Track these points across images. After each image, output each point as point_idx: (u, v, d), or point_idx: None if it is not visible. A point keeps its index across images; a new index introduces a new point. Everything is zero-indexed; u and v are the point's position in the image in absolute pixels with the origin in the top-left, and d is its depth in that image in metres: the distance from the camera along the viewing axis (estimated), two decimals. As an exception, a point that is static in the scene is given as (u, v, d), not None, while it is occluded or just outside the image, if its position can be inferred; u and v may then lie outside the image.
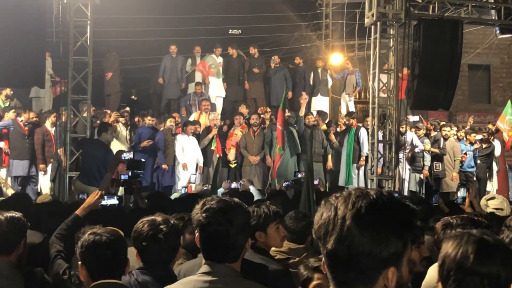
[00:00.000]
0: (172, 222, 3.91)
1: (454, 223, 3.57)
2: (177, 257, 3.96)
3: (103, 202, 5.82)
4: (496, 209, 6.15)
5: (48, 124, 13.75)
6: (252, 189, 11.45)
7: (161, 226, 3.83)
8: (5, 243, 4.36)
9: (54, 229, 5.08)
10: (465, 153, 15.50)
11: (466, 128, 16.51)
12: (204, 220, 3.03)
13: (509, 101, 16.78)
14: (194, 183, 13.59)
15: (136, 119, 15.16)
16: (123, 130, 14.30)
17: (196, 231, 3.11)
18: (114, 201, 6.04)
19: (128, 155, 9.84)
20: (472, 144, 15.81)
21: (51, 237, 4.98)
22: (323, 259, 1.88)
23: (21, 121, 13.66)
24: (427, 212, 6.32)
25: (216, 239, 3.02)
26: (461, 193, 7.57)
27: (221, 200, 3.13)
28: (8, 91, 14.83)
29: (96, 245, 3.60)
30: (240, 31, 20.77)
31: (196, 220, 3.09)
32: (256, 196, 10.31)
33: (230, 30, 20.89)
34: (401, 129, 14.51)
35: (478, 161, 15.85)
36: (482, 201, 7.13)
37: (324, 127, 15.70)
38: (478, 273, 2.33)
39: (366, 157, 14.53)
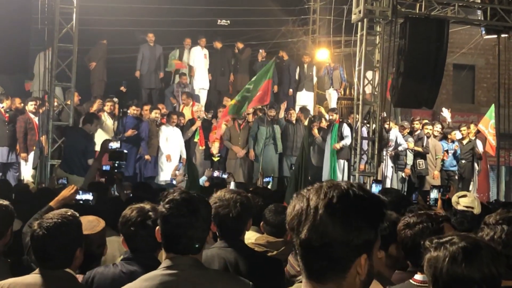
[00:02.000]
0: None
1: (411, 222, 3.61)
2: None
3: (78, 197, 5.79)
4: (467, 207, 6.19)
5: (30, 110, 13.63)
6: (232, 184, 11.50)
7: (150, 213, 3.83)
8: None
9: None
10: (447, 151, 15.57)
11: (445, 127, 16.58)
12: (167, 212, 3.03)
13: (492, 105, 16.83)
14: (179, 171, 13.66)
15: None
16: (107, 120, 14.23)
17: (158, 224, 3.11)
18: (88, 196, 6.00)
19: (115, 145, 9.82)
20: (453, 142, 15.90)
21: (25, 227, 4.97)
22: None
23: (2, 107, 13.54)
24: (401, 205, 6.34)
25: (180, 230, 3.01)
26: (434, 194, 7.59)
27: (183, 192, 3.14)
28: None
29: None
30: (228, 21, 20.73)
31: (159, 212, 3.09)
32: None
33: (219, 21, 20.84)
34: (386, 126, 14.57)
35: (463, 161, 15.93)
36: (454, 198, 7.14)
37: (305, 123, 15.71)
38: (473, 280, 2.35)
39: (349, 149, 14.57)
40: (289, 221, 1.88)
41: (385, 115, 14.53)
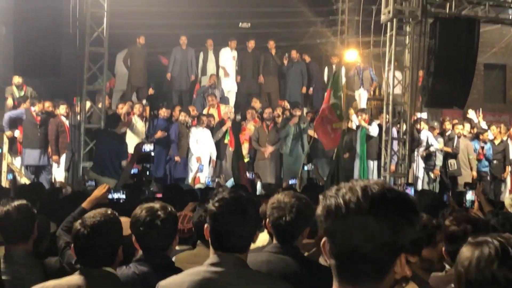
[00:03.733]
0: (169, 209, 3.93)
1: (456, 231, 3.57)
2: (174, 244, 3.97)
3: (110, 196, 5.84)
4: None
5: (62, 113, 13.79)
6: (258, 184, 11.55)
7: (159, 213, 3.83)
8: (20, 231, 4.41)
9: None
10: (482, 149, 15.47)
11: (478, 127, 16.44)
12: (216, 210, 3.09)
13: None
14: (201, 173, 13.70)
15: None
16: (138, 122, 14.35)
17: (207, 221, 3.15)
18: (121, 195, 6.07)
19: (148, 147, 9.94)
20: (485, 142, 15.76)
21: (58, 230, 5.03)
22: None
23: (34, 110, 13.73)
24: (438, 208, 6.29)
25: (229, 228, 3.06)
26: (469, 196, 7.36)
27: (232, 191, 3.21)
28: (19, 79, 14.78)
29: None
30: (249, 24, 20.76)
31: (209, 210, 3.14)
32: (258, 192, 10.45)
33: (240, 24, 20.87)
34: (417, 127, 14.48)
35: (495, 161, 15.78)
36: (507, 200, 7.07)
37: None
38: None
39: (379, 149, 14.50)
40: (325, 225, 1.82)
41: (418, 115, 14.43)
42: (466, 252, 2.25)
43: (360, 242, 1.76)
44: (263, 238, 4.93)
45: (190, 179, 13.68)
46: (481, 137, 15.96)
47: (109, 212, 3.70)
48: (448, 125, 15.66)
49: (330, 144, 13.38)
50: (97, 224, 3.57)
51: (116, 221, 3.70)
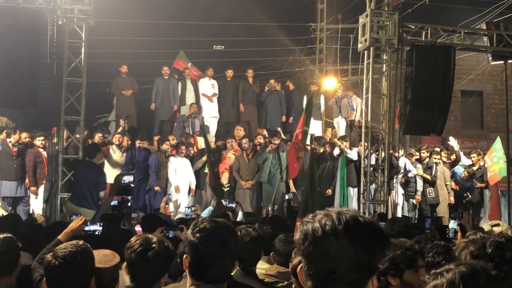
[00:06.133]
0: (166, 244, 3.88)
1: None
2: (162, 281, 3.91)
3: (86, 228, 5.79)
4: None
5: (39, 144, 13.69)
6: (240, 213, 11.53)
7: (154, 245, 3.79)
8: (5, 263, 4.34)
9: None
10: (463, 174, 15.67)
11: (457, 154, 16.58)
12: (197, 240, 3.04)
13: (498, 138, 16.70)
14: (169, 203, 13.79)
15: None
16: (116, 152, 14.28)
17: (186, 251, 3.12)
18: (97, 227, 6.00)
19: (128, 179, 9.87)
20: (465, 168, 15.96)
21: (33, 262, 4.96)
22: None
23: (10, 142, 13.62)
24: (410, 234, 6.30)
25: (209, 259, 3.03)
26: (452, 225, 7.26)
27: (213, 221, 3.16)
28: None
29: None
30: (223, 46, 20.92)
31: (189, 240, 3.11)
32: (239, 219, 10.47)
33: (214, 46, 21.02)
34: (396, 154, 14.56)
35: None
36: (486, 227, 7.08)
37: (321, 150, 15.66)
38: None
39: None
40: (303, 248, 1.92)
41: (394, 143, 14.52)
42: (432, 282, 2.29)
43: (336, 263, 1.87)
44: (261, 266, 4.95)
45: (171, 208, 13.65)
46: (460, 163, 16.13)
47: (80, 243, 3.66)
48: (424, 154, 15.77)
49: (293, 173, 13.57)
50: (68, 255, 3.53)
51: (88, 252, 3.66)
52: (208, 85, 17.93)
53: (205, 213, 11.77)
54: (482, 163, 16.06)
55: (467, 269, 2.33)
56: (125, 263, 3.88)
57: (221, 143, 16.12)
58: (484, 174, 15.93)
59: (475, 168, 16.01)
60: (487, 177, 15.95)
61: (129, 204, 9.21)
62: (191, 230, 3.10)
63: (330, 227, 1.88)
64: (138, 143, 14.56)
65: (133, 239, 3.89)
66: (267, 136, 16.11)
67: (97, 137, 14.36)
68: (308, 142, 15.26)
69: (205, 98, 17.80)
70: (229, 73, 18.18)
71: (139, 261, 3.76)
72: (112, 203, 9.47)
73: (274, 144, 15.06)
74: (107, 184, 11.96)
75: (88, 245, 3.72)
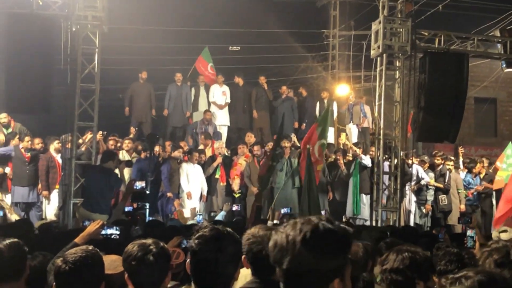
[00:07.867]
0: (161, 244, 3.88)
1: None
2: (166, 281, 3.91)
3: (103, 232, 5.78)
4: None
5: (52, 150, 13.76)
6: None
7: (151, 247, 3.76)
8: (12, 269, 4.33)
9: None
10: (472, 187, 15.56)
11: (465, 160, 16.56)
12: (195, 247, 3.11)
13: (510, 143, 16.59)
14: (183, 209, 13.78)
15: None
16: (126, 158, 14.32)
17: (188, 257, 3.17)
18: (114, 231, 5.99)
19: (140, 184, 9.85)
20: (476, 175, 15.86)
21: (49, 265, 4.95)
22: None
23: (22, 147, 13.70)
24: (430, 244, 6.24)
25: (206, 266, 3.07)
26: (470, 233, 7.18)
27: (214, 228, 3.19)
28: (4, 118, 14.65)
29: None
30: (239, 47, 20.94)
31: (189, 246, 3.18)
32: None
33: (230, 47, 21.06)
34: (408, 161, 14.50)
35: (482, 194, 15.82)
36: (494, 234, 7.05)
37: (332, 158, 15.62)
38: None
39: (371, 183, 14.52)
40: (273, 255, 2.20)
41: (407, 150, 14.47)
42: (450, 285, 2.33)
43: (297, 268, 2.13)
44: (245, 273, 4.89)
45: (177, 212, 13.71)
46: (474, 170, 16.02)
47: (90, 248, 3.66)
48: (438, 161, 15.69)
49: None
50: (78, 260, 3.53)
51: (97, 257, 3.66)
52: (219, 92, 17.97)
53: (219, 217, 11.79)
54: (490, 171, 16.02)
55: (486, 277, 2.33)
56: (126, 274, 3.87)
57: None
58: (493, 179, 15.86)
59: (481, 175, 15.95)
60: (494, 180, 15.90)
61: (147, 211, 9.23)
62: (192, 237, 3.16)
63: (292, 237, 2.14)
64: (156, 150, 14.47)
65: (128, 247, 3.86)
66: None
67: (110, 144, 14.38)
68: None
69: (215, 106, 17.85)
70: (239, 80, 18.23)
71: (141, 267, 3.75)
72: (126, 209, 9.49)
73: (286, 147, 14.93)
74: (120, 190, 12.00)
75: (98, 250, 3.72)
